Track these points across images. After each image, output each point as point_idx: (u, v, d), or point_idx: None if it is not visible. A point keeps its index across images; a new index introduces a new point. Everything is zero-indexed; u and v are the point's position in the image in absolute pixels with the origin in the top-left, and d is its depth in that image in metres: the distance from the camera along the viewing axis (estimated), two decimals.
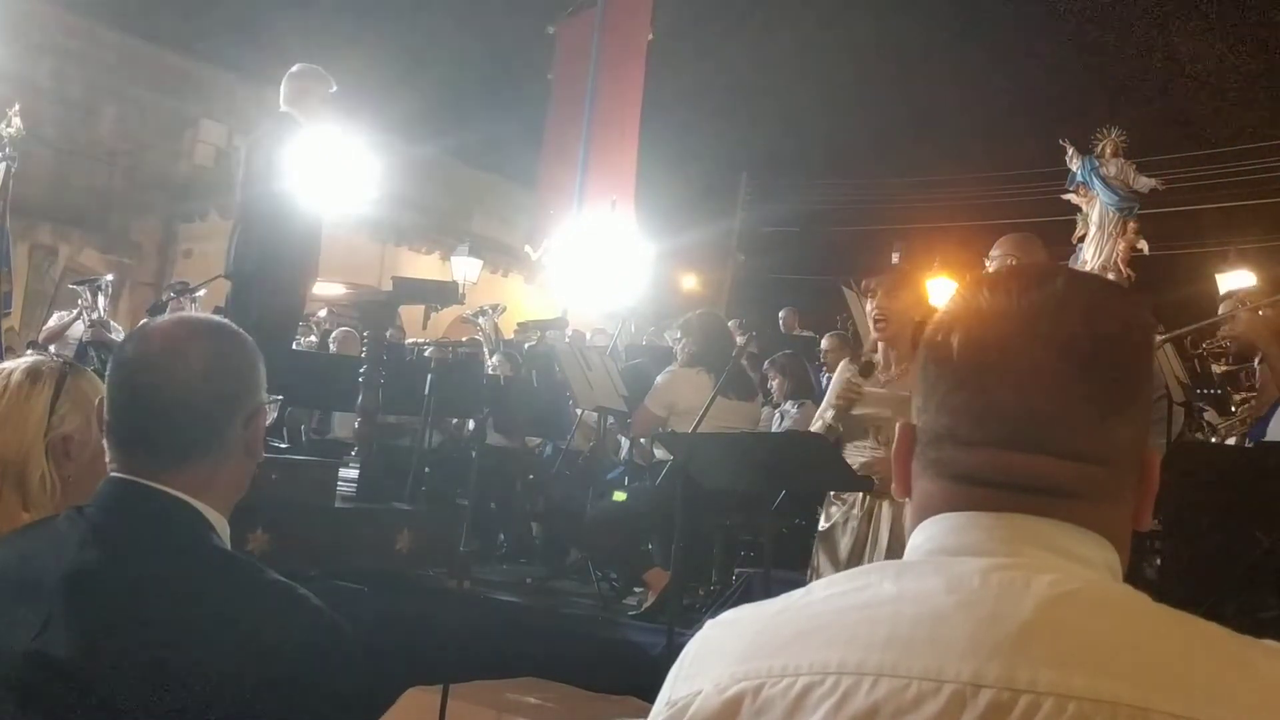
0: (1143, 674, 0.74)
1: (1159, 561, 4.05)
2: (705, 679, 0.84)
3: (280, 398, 4.97)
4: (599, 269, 11.51)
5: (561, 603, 5.01)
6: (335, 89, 5.48)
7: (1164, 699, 0.72)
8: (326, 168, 5.32)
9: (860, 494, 3.65)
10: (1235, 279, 12.27)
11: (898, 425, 0.93)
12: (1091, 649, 0.75)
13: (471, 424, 6.75)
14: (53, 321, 9.70)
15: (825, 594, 0.84)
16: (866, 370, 3.70)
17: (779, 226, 20.94)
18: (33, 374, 1.67)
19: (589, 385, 5.46)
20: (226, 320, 1.49)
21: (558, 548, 6.10)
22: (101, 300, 9.34)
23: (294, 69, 5.45)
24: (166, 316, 1.50)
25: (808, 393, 6.32)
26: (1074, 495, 0.83)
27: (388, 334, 5.74)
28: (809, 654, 0.80)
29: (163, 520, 1.31)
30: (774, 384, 6.58)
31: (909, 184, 19.15)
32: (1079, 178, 12.48)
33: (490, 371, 7.37)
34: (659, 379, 5.08)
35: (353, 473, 5.17)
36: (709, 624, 0.89)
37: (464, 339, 9.71)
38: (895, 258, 11.86)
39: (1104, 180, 12.22)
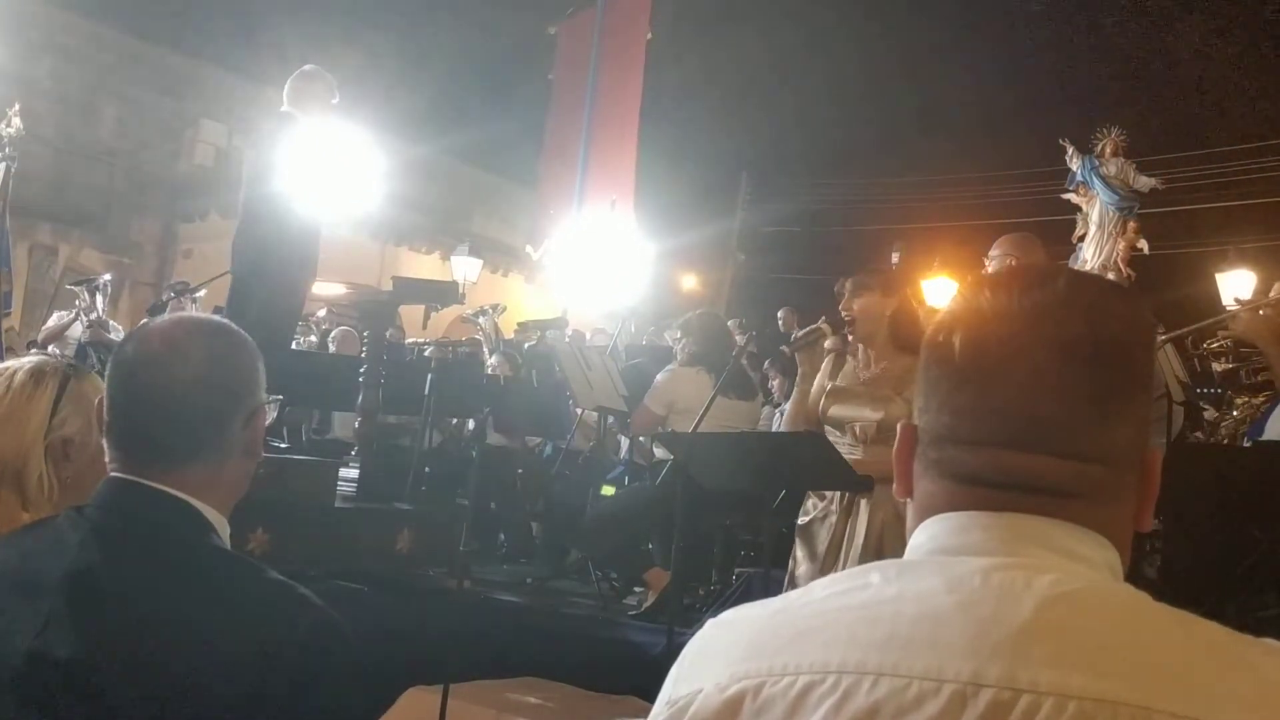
0: (1143, 674, 0.74)
1: (1159, 561, 4.05)
2: (706, 678, 0.84)
3: (280, 398, 4.98)
4: (599, 269, 11.48)
5: (561, 603, 5.00)
6: (337, 99, 5.44)
7: (1165, 699, 0.72)
8: (328, 165, 5.28)
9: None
10: (1235, 279, 12.27)
11: (899, 426, 0.93)
12: (1092, 649, 0.75)
13: (471, 424, 6.75)
14: (51, 322, 9.68)
15: (825, 593, 0.84)
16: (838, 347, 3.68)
17: (779, 226, 20.96)
18: (36, 374, 1.66)
19: (589, 385, 5.46)
20: (226, 320, 1.49)
21: (558, 548, 6.09)
22: (100, 300, 9.32)
23: (305, 69, 5.40)
24: (166, 316, 1.49)
25: None
26: (1075, 495, 0.83)
27: (388, 334, 5.74)
28: (809, 653, 0.80)
29: (163, 520, 1.31)
30: (774, 384, 6.59)
31: (909, 183, 19.18)
32: (1079, 177, 12.44)
33: (490, 371, 7.35)
34: (659, 377, 5.08)
35: (353, 472, 5.18)
36: (709, 623, 0.89)
37: (464, 339, 9.71)
38: (895, 258, 11.81)
39: (1104, 180, 12.19)
